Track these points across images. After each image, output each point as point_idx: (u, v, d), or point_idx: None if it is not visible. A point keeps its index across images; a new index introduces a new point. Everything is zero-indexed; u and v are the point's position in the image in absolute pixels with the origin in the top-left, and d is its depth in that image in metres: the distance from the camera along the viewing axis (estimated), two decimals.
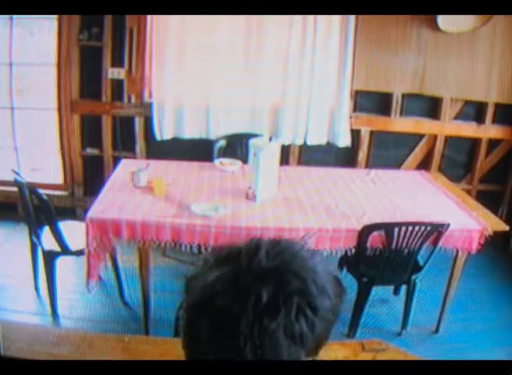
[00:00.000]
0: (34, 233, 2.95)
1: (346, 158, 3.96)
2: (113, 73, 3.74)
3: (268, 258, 0.72)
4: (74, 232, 2.90)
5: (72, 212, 3.93)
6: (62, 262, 2.92)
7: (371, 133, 3.91)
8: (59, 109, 3.80)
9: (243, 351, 0.69)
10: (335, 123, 3.83)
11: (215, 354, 0.72)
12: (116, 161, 3.54)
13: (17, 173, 2.98)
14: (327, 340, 0.74)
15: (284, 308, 0.68)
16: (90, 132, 3.89)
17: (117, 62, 3.72)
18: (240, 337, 0.69)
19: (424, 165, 3.94)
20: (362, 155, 3.94)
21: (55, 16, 3.61)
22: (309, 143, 3.88)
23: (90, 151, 3.93)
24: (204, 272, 0.76)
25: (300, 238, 2.34)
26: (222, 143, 3.70)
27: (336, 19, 3.62)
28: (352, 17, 3.59)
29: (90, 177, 3.95)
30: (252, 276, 0.70)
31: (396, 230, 2.53)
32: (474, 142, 3.96)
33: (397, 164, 3.95)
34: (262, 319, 0.68)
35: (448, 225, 2.57)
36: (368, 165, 3.91)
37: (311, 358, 0.73)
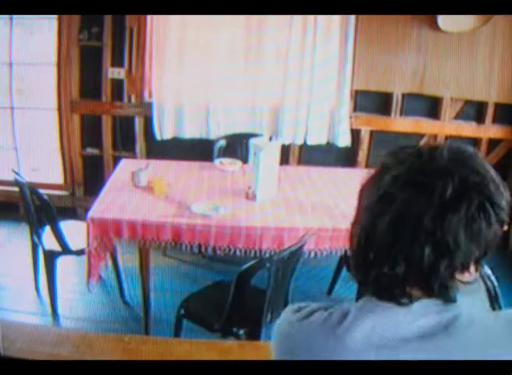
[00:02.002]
0: (35, 233, 2.95)
1: (346, 158, 3.96)
2: (113, 72, 3.74)
3: (448, 154, 0.73)
4: (75, 232, 2.90)
5: (73, 211, 3.92)
6: (62, 262, 2.92)
7: (371, 133, 3.91)
8: (59, 109, 3.80)
9: (423, 249, 0.69)
10: (335, 122, 3.83)
11: (394, 257, 0.71)
12: (116, 161, 3.55)
13: (17, 173, 2.98)
14: (490, 250, 0.74)
15: (466, 203, 0.69)
16: (90, 132, 3.89)
17: (117, 62, 3.72)
18: (422, 234, 0.69)
19: None
20: (362, 155, 3.94)
21: (55, 16, 3.61)
22: (309, 143, 3.88)
23: (90, 151, 3.93)
24: (378, 175, 0.78)
25: (300, 238, 2.34)
26: (222, 143, 3.70)
27: (336, 19, 3.62)
28: (352, 17, 3.59)
29: (90, 177, 3.95)
30: (435, 172, 0.71)
31: None
32: (474, 142, 3.96)
33: None
34: (446, 213, 0.68)
35: None
36: (368, 165, 3.90)
37: (473, 269, 0.73)
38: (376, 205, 0.75)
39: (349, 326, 0.74)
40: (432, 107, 3.85)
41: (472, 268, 0.74)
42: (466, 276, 0.73)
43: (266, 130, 3.83)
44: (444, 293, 0.72)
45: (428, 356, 0.72)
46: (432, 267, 0.70)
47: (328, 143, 3.90)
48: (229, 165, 3.32)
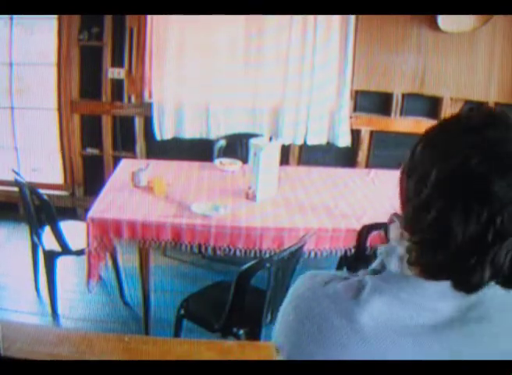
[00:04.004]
0: (35, 233, 2.95)
1: (346, 158, 3.96)
2: (113, 73, 3.74)
3: None
4: (75, 232, 2.90)
5: (73, 211, 3.93)
6: (62, 262, 2.92)
7: (371, 133, 3.91)
8: (59, 109, 3.80)
9: (495, 218, 0.64)
10: (335, 123, 3.83)
11: (463, 224, 0.65)
12: (116, 161, 3.55)
13: (17, 173, 2.98)
14: None
15: None
16: (90, 132, 3.89)
17: (117, 62, 3.72)
18: (495, 203, 0.64)
19: None
20: (362, 155, 3.94)
21: (55, 16, 3.61)
22: (309, 143, 3.88)
23: (90, 151, 3.93)
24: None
25: (300, 238, 2.34)
26: (222, 143, 3.70)
27: (335, 19, 3.62)
28: (352, 17, 3.59)
29: (90, 177, 3.95)
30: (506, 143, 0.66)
31: None
32: None
33: (397, 164, 3.94)
34: None
35: None
36: (368, 165, 3.90)
37: None
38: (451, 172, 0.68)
39: (363, 302, 0.70)
40: (431, 107, 3.85)
41: None
42: None
43: (266, 130, 3.83)
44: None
45: (445, 348, 0.70)
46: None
47: (328, 143, 3.90)
48: (229, 165, 3.32)
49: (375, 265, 1.12)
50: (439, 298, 0.70)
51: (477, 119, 0.70)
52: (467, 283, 0.67)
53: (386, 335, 0.69)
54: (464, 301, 0.70)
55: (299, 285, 0.79)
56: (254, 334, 2.30)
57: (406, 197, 0.75)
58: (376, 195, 3.01)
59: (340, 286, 0.74)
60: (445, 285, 0.69)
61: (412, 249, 0.71)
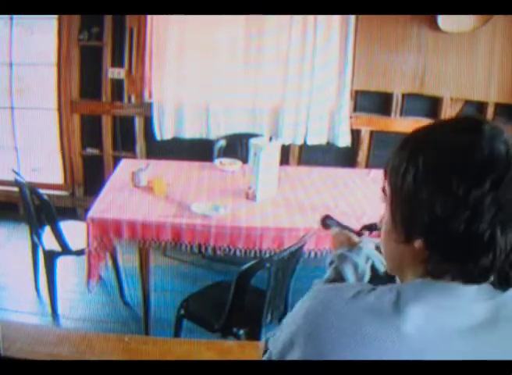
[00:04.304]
0: (35, 233, 2.95)
1: (346, 158, 3.95)
2: (113, 73, 3.74)
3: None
4: (75, 232, 2.90)
5: (73, 211, 3.93)
6: (62, 262, 2.92)
7: (371, 133, 3.91)
8: (59, 109, 3.80)
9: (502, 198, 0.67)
10: (335, 123, 3.83)
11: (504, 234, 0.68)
12: (116, 161, 3.55)
13: (17, 173, 2.98)
14: None
15: None
16: (90, 132, 3.89)
17: (117, 62, 3.72)
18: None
19: None
20: (362, 155, 3.94)
21: (55, 16, 3.61)
22: (309, 143, 3.88)
23: (90, 151, 3.93)
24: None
25: (300, 238, 2.34)
26: (222, 143, 3.69)
27: (335, 19, 3.62)
28: (352, 17, 3.59)
29: (90, 177, 3.95)
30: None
31: None
32: None
33: None
34: None
35: None
36: (368, 165, 3.90)
37: None
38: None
39: (404, 312, 0.70)
40: (431, 107, 3.85)
41: None
42: None
43: (266, 130, 3.83)
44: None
45: (482, 349, 0.71)
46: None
47: (328, 143, 3.90)
48: (229, 165, 3.32)
49: (329, 274, 1.13)
50: (474, 301, 0.72)
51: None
52: (509, 279, 0.71)
53: (431, 342, 0.70)
54: (493, 301, 0.72)
55: (319, 301, 0.76)
56: (254, 334, 2.30)
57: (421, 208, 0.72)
58: (376, 195, 3.00)
59: (373, 298, 0.73)
60: (477, 287, 0.71)
61: (434, 261, 0.72)
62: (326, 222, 1.38)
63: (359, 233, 1.27)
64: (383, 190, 0.81)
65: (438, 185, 0.69)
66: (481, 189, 0.67)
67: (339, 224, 1.35)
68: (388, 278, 1.11)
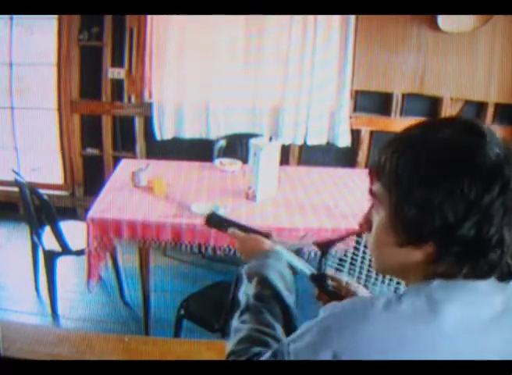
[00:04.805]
0: (35, 233, 2.95)
1: (346, 158, 3.95)
2: (113, 73, 3.74)
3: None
4: (75, 232, 2.90)
5: (73, 212, 3.93)
6: (62, 262, 2.92)
7: (371, 133, 3.91)
8: (59, 109, 3.80)
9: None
10: (335, 123, 3.83)
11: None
12: (116, 161, 3.55)
13: (17, 173, 2.98)
14: None
15: None
16: (90, 132, 3.89)
17: (117, 62, 3.72)
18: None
19: None
20: (362, 155, 3.94)
21: (55, 16, 3.61)
22: (309, 143, 3.88)
23: (90, 151, 3.93)
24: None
25: (299, 238, 2.34)
26: (222, 143, 3.70)
27: (335, 19, 3.62)
28: (352, 17, 3.59)
29: (90, 177, 3.95)
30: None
31: None
32: None
33: None
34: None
35: None
36: (368, 165, 3.90)
37: None
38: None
39: (441, 313, 0.71)
40: (432, 107, 3.85)
41: None
42: None
43: (266, 130, 3.83)
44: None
45: (504, 336, 0.74)
46: None
47: (328, 143, 3.90)
48: (229, 165, 3.32)
49: (255, 290, 1.03)
50: (488, 295, 0.74)
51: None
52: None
53: (466, 337, 0.72)
54: (503, 293, 0.75)
55: (351, 315, 0.75)
56: None
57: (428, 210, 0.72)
58: None
59: (405, 305, 0.73)
60: (487, 282, 0.74)
61: (446, 262, 0.73)
62: (213, 219, 1.25)
63: (267, 235, 1.17)
64: (371, 192, 0.79)
65: (449, 188, 0.69)
66: (492, 193, 0.68)
67: (231, 223, 1.22)
68: (315, 281, 1.10)
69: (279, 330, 0.95)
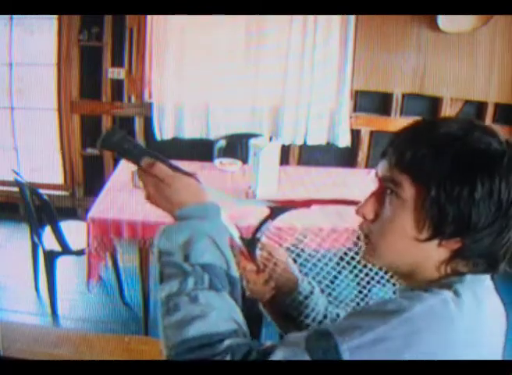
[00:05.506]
0: (35, 233, 2.95)
1: (346, 158, 3.96)
2: (113, 73, 3.74)
3: None
4: (75, 232, 2.90)
5: (73, 212, 3.93)
6: (62, 262, 2.92)
7: (371, 133, 3.91)
8: (59, 109, 3.80)
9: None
10: (335, 122, 3.83)
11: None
12: (116, 161, 3.54)
13: (17, 173, 2.98)
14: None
15: None
16: (90, 132, 3.89)
17: (117, 62, 3.72)
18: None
19: None
20: (362, 155, 3.94)
21: (55, 16, 3.61)
22: (309, 143, 3.88)
23: (90, 151, 3.93)
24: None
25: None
26: (222, 143, 3.70)
27: (335, 19, 3.62)
28: (352, 17, 3.59)
29: (90, 177, 3.95)
30: None
31: None
32: None
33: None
34: None
35: None
36: (368, 165, 3.90)
37: None
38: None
39: (485, 305, 0.76)
40: (432, 107, 3.85)
41: None
42: None
43: (266, 130, 3.83)
44: None
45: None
46: None
47: (328, 143, 3.90)
48: (229, 165, 3.32)
49: (169, 271, 0.89)
50: (496, 289, 0.80)
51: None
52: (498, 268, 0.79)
53: (497, 320, 0.79)
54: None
55: (440, 320, 0.73)
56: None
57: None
58: None
59: (467, 298, 0.75)
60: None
61: (471, 258, 0.77)
62: (114, 139, 0.82)
63: (192, 176, 0.87)
64: (393, 181, 0.78)
65: (489, 188, 0.72)
66: None
67: (144, 151, 0.83)
68: (243, 243, 1.00)
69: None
